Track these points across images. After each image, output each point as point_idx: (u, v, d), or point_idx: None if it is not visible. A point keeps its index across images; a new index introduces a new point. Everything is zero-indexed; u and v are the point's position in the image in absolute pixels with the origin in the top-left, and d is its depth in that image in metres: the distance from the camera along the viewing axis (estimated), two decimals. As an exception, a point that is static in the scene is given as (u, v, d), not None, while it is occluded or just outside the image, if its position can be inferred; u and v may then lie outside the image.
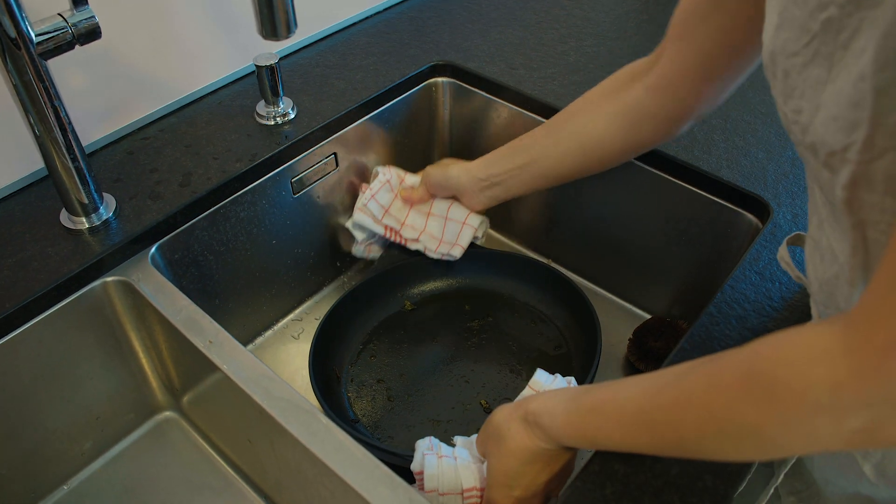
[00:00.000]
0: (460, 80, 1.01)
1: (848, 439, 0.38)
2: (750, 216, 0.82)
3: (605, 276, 1.04)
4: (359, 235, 0.96)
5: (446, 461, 0.64)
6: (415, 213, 0.93)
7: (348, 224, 0.96)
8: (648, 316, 1.00)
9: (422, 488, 0.64)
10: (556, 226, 1.04)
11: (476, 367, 0.90)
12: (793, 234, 0.69)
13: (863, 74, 0.36)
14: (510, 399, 0.85)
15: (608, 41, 1.07)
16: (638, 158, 0.88)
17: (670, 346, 0.89)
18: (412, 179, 0.93)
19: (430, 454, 0.65)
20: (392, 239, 0.93)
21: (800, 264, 0.70)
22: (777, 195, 0.81)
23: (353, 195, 0.99)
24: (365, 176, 0.99)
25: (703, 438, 0.44)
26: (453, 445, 0.67)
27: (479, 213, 0.90)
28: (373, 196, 0.92)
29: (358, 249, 0.98)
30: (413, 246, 0.93)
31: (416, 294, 0.98)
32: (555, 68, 1.01)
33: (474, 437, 0.66)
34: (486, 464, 0.61)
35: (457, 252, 0.91)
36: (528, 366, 0.89)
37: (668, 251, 0.93)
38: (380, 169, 0.93)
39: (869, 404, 0.36)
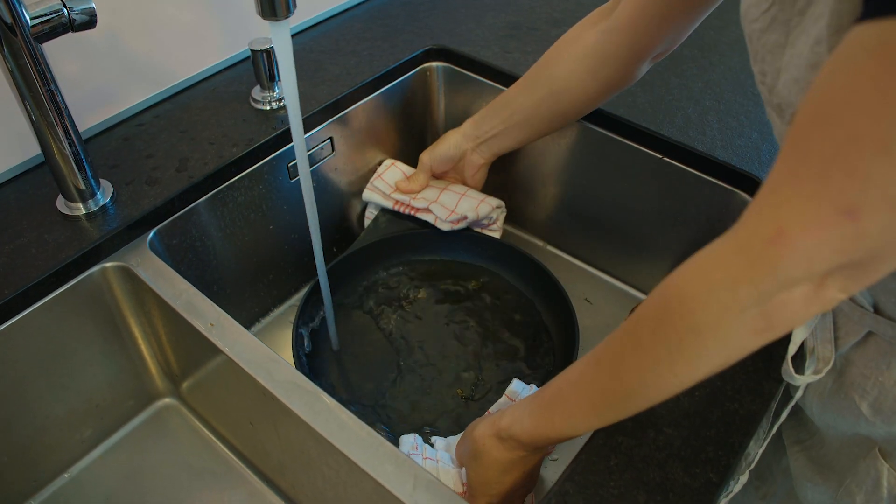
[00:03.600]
0: (454, 65, 1.02)
1: (752, 331, 0.41)
2: (744, 195, 0.83)
3: (600, 257, 1.04)
4: (370, 213, 1.00)
5: (429, 464, 0.66)
6: (429, 188, 0.95)
7: (364, 197, 0.99)
8: (644, 296, 1.01)
9: None
10: (551, 208, 1.04)
11: (458, 355, 0.89)
12: None
13: (819, 38, 0.38)
14: (485, 397, 0.85)
15: (601, 25, 1.07)
16: (632, 139, 0.89)
17: (667, 325, 0.90)
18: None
19: (415, 454, 0.67)
20: (402, 210, 0.95)
21: None
22: (771, 174, 0.81)
23: (350, 179, 0.99)
24: (361, 161, 1.00)
25: (644, 378, 0.46)
26: (432, 445, 0.69)
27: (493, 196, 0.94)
28: (379, 176, 0.97)
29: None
30: (423, 216, 0.94)
31: (404, 270, 0.98)
32: (548, 52, 1.01)
33: (451, 439, 0.70)
34: (463, 470, 0.64)
35: (471, 215, 0.92)
36: (508, 361, 0.88)
37: (664, 231, 0.93)
38: (386, 160, 0.99)
39: (762, 294, 0.39)
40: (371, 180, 0.98)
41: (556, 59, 0.80)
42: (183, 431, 0.86)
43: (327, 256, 1.03)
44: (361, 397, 0.85)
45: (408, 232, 0.96)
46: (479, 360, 0.89)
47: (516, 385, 0.76)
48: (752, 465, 0.70)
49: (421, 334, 0.92)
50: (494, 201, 0.94)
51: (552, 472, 0.79)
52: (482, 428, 0.61)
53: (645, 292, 1.01)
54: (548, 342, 0.90)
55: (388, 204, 0.96)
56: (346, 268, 0.94)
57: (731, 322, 0.40)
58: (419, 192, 0.94)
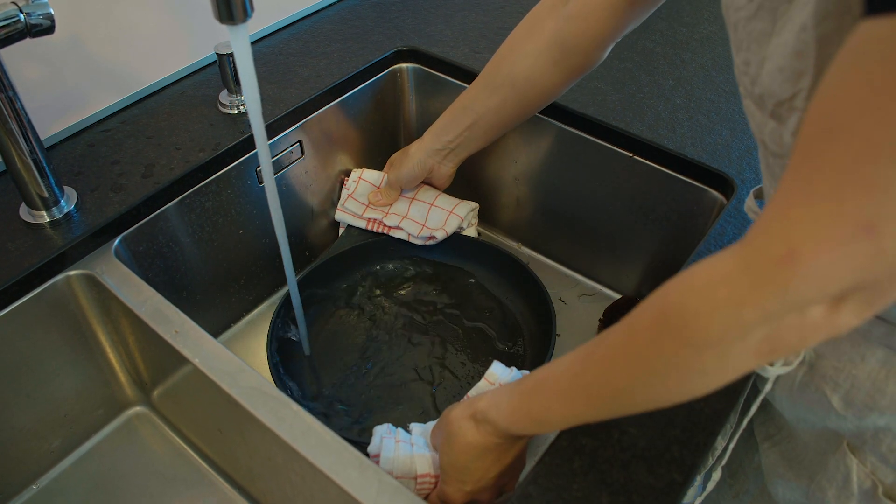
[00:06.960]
0: (424, 66, 1.01)
1: (755, 354, 0.39)
2: (715, 193, 0.83)
3: (574, 258, 1.04)
4: (343, 224, 1.00)
5: (403, 446, 0.65)
6: (399, 201, 0.95)
7: (336, 218, 1.00)
8: (618, 296, 1.01)
9: None
10: (525, 209, 1.04)
11: (433, 355, 0.90)
12: (757, 186, 0.70)
13: (804, 25, 0.37)
14: (461, 395, 0.85)
15: (572, 24, 1.07)
16: (603, 138, 0.89)
17: (640, 324, 0.90)
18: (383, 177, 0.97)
19: (388, 438, 0.66)
20: (375, 229, 0.96)
21: None
22: (741, 171, 0.81)
23: (320, 184, 0.98)
24: (332, 164, 0.99)
25: (633, 385, 0.45)
26: (410, 433, 0.68)
27: (465, 200, 0.95)
28: (350, 196, 0.96)
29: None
30: (396, 234, 0.95)
31: (381, 273, 0.98)
32: (519, 52, 1.00)
33: (430, 424, 0.68)
34: (437, 454, 0.63)
35: (440, 235, 0.92)
36: (483, 360, 0.89)
37: (636, 230, 0.93)
38: (353, 171, 0.98)
39: (769, 315, 0.37)
40: (342, 200, 0.98)
41: (514, 55, 0.78)
42: (154, 439, 0.85)
43: (300, 261, 1.03)
44: (337, 397, 0.85)
45: (381, 239, 0.97)
46: (461, 367, 0.89)
47: (496, 368, 0.73)
48: (724, 461, 0.70)
49: (395, 333, 0.92)
50: (465, 208, 0.94)
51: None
52: (458, 410, 0.60)
53: (619, 292, 1.01)
54: (522, 338, 0.90)
55: (362, 224, 0.96)
56: (322, 273, 0.94)
57: (733, 343, 0.39)
58: (391, 205, 0.95)
